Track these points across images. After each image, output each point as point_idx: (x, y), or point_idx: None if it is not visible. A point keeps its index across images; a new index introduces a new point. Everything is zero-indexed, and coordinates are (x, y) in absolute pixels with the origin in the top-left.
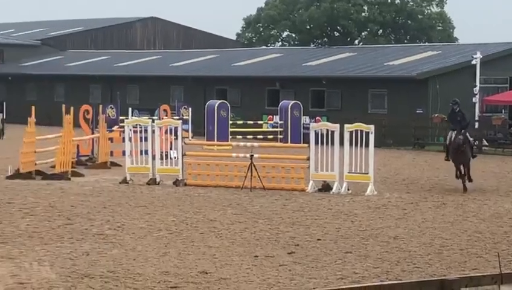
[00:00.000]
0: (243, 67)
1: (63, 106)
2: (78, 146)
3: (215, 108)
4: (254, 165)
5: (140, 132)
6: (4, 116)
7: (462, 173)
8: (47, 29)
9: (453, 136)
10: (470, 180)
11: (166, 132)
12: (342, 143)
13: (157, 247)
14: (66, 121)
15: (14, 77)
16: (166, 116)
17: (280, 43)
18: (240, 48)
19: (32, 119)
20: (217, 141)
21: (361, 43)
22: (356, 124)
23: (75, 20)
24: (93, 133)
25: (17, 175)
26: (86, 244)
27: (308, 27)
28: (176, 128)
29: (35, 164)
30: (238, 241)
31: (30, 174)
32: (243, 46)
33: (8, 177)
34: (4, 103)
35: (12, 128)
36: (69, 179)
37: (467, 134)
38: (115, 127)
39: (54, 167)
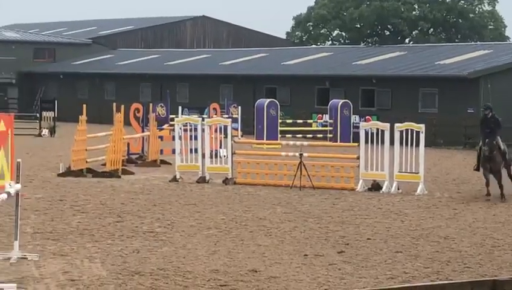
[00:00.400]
0: (293, 66)
1: (114, 104)
2: (128, 144)
3: (265, 107)
4: (303, 164)
5: (190, 130)
6: (56, 114)
7: (495, 182)
8: (98, 28)
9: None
10: (501, 188)
11: (215, 131)
12: (392, 142)
13: (207, 245)
14: (116, 119)
15: (65, 75)
16: (216, 114)
17: (330, 41)
18: (290, 46)
19: (83, 117)
20: (266, 139)
21: (411, 42)
22: (407, 123)
23: (126, 19)
24: (143, 132)
25: (68, 173)
26: (136, 242)
27: (358, 26)
28: (225, 127)
29: (86, 162)
30: (288, 240)
31: (81, 172)
32: (292, 45)
33: (60, 175)
34: (56, 101)
35: (64, 126)
36: (120, 177)
37: (496, 141)
38: (165, 126)
39: (104, 164)
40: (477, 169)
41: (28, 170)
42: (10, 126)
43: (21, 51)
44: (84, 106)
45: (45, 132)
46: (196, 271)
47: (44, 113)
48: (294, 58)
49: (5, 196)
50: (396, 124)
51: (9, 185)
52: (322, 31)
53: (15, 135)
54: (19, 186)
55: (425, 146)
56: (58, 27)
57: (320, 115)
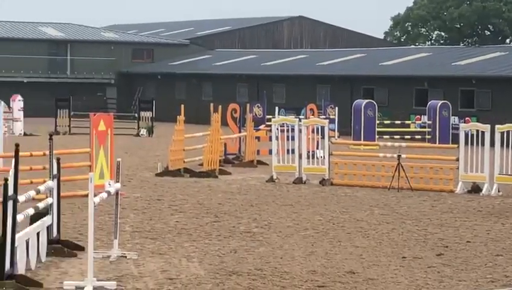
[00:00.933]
0: (391, 66)
1: (211, 104)
2: (225, 144)
3: (362, 107)
4: (402, 166)
5: (287, 130)
6: (153, 114)
7: None
8: (195, 29)
9: None
10: None
11: (312, 131)
12: (492, 144)
13: (304, 246)
14: (213, 120)
15: (163, 75)
16: (313, 115)
17: (429, 42)
18: (388, 47)
19: (181, 117)
20: (364, 140)
21: None
22: (508, 124)
23: (223, 19)
24: (240, 132)
25: (166, 172)
26: (233, 241)
27: (458, 26)
28: (322, 128)
29: (184, 162)
30: (386, 242)
31: (179, 172)
32: (390, 45)
33: (158, 175)
34: (154, 101)
35: (161, 126)
36: (217, 177)
37: None
38: (262, 126)
39: (201, 164)
40: None
41: (126, 169)
42: (110, 126)
43: (120, 51)
44: (182, 106)
45: (143, 131)
46: (293, 272)
47: (142, 113)
48: (392, 58)
49: (105, 195)
50: (497, 126)
51: (109, 184)
52: (422, 31)
53: (114, 134)
54: (118, 185)
55: None
56: (156, 28)
57: (419, 116)
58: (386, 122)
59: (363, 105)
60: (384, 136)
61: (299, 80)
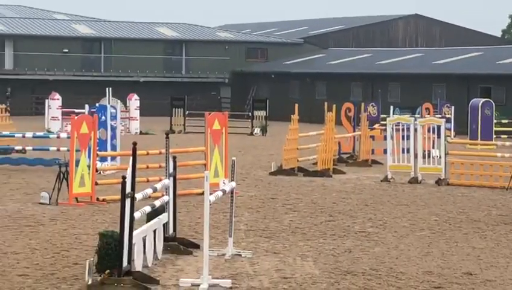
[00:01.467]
0: (509, 64)
1: (325, 103)
2: (339, 144)
3: (479, 106)
4: None
5: (402, 130)
6: (267, 113)
7: None
8: (309, 28)
9: None
10: None
11: (428, 131)
12: None
13: (419, 246)
14: (328, 119)
15: (277, 74)
16: (429, 114)
17: None
18: (506, 45)
19: (295, 116)
20: (481, 140)
21: None
22: None
23: (337, 18)
24: (354, 131)
25: (280, 171)
26: (348, 241)
27: None
28: (438, 127)
29: (298, 161)
30: (504, 243)
31: (292, 171)
32: (508, 44)
33: (272, 174)
34: (267, 100)
35: (275, 125)
36: (331, 176)
37: None
38: (376, 125)
39: (315, 164)
40: None
41: (240, 168)
42: (224, 125)
43: (234, 51)
44: (296, 105)
45: (257, 130)
46: (409, 272)
47: (256, 112)
48: (510, 57)
49: (220, 193)
50: None
51: (224, 182)
52: None
53: (228, 133)
54: (233, 184)
55: None
56: (270, 27)
57: None
58: (503, 121)
59: (480, 104)
60: (502, 136)
61: (414, 78)
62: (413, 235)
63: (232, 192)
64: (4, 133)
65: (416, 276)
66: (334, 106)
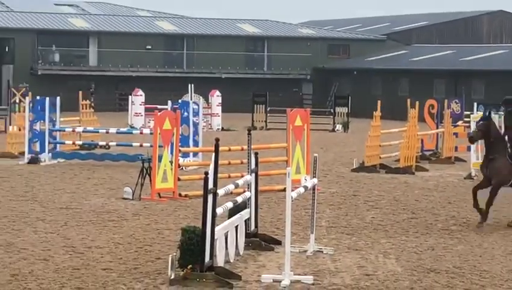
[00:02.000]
0: None
1: (408, 100)
2: (422, 141)
3: None
4: None
5: None
6: (349, 110)
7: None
8: (392, 24)
9: None
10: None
11: None
12: None
13: (504, 245)
14: (410, 116)
15: (359, 71)
16: None
17: None
18: None
19: (377, 113)
20: None
21: None
22: None
23: (420, 14)
24: (437, 128)
25: (362, 168)
26: (430, 239)
27: None
28: None
29: (380, 158)
30: None
31: (374, 168)
32: None
33: (353, 170)
34: (349, 97)
35: (357, 122)
36: (413, 173)
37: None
38: (460, 122)
39: (398, 160)
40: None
41: (322, 164)
42: (306, 121)
43: (316, 47)
44: (378, 101)
45: (339, 127)
46: (493, 271)
47: (338, 109)
48: None
49: (302, 189)
50: None
51: (305, 179)
52: None
53: (310, 130)
54: (315, 180)
55: None
56: (352, 23)
57: None
58: None
59: None
60: None
61: (499, 75)
62: (497, 234)
63: (313, 188)
64: (88, 128)
65: (500, 275)
66: (417, 103)
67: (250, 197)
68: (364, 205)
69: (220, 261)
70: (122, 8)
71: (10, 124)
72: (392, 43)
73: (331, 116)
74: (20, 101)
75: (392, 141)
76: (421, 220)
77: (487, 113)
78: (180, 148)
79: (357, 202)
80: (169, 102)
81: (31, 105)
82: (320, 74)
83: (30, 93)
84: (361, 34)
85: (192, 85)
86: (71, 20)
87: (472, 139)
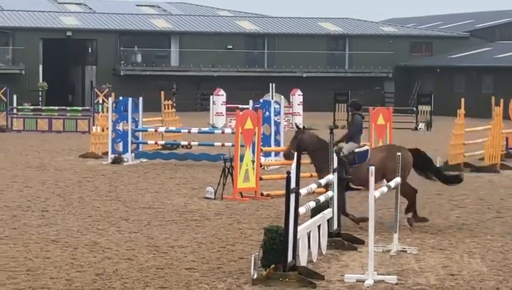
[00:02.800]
0: None
1: (492, 97)
2: (507, 139)
3: None
4: None
5: None
6: (432, 108)
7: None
8: (475, 21)
9: None
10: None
11: None
12: None
13: None
14: (495, 113)
15: (442, 68)
16: None
17: None
18: None
19: (461, 111)
20: None
21: None
22: None
23: (504, 10)
24: None
25: (445, 167)
26: None
27: None
28: None
29: (464, 156)
30: None
31: (459, 166)
32: None
33: None
34: (432, 95)
35: (440, 120)
36: (498, 171)
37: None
38: None
39: (482, 159)
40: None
41: None
42: (389, 120)
43: (398, 45)
44: (462, 99)
45: (421, 125)
46: None
47: (420, 107)
48: None
49: (385, 189)
50: None
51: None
52: None
53: (392, 128)
54: (398, 179)
55: None
56: (434, 21)
57: None
58: None
59: None
60: None
61: None
62: None
63: (397, 188)
64: (171, 128)
65: None
66: (501, 100)
67: (332, 197)
68: (448, 204)
69: (302, 260)
70: (203, 8)
71: (93, 125)
72: (476, 40)
73: (414, 115)
74: (103, 101)
75: (476, 139)
76: (507, 219)
77: None
78: (262, 147)
79: (440, 201)
80: (251, 101)
81: (113, 106)
82: (402, 72)
83: (113, 94)
84: (444, 32)
85: (274, 84)
86: (153, 20)
87: None
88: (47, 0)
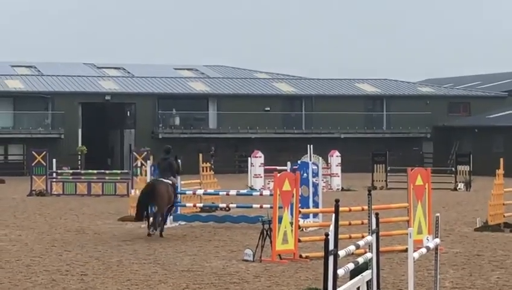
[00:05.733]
0: None
1: None
2: None
3: None
4: None
5: None
6: (471, 168)
7: None
8: None
9: None
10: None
11: None
12: None
13: None
14: None
15: (480, 128)
16: None
17: None
18: None
19: (500, 171)
20: None
21: None
22: None
23: None
24: None
25: (485, 227)
26: None
27: None
28: None
29: (504, 216)
30: None
31: (499, 227)
32: None
33: (476, 230)
34: (471, 155)
35: (479, 180)
36: None
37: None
38: None
39: None
40: None
41: (444, 224)
42: (427, 180)
43: (436, 105)
44: (501, 159)
45: (461, 186)
46: None
47: (459, 167)
48: None
49: (424, 250)
50: None
51: (427, 239)
52: None
53: (431, 189)
54: (437, 240)
55: None
56: (471, 80)
57: None
58: None
59: None
60: None
61: None
62: None
63: (436, 249)
64: (209, 191)
65: None
66: None
67: (371, 258)
68: (488, 265)
69: None
70: (240, 70)
71: (132, 188)
72: None
73: (453, 175)
74: (141, 164)
75: None
76: None
77: None
78: (300, 209)
79: (481, 262)
80: (289, 163)
81: (152, 169)
82: (440, 132)
83: (152, 157)
84: (481, 91)
85: (311, 146)
86: (191, 83)
87: None
88: (86, 65)
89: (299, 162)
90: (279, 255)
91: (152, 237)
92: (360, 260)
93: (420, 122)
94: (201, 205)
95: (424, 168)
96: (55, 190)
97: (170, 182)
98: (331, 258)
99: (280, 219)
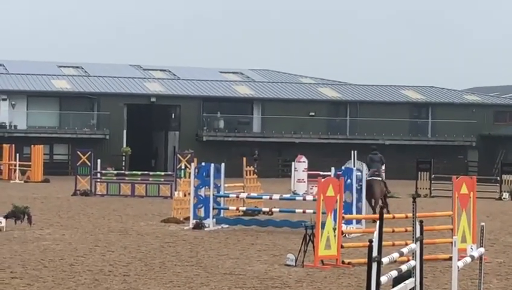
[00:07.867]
0: None
1: None
2: None
3: None
4: None
5: None
6: None
7: None
8: None
9: None
10: None
11: None
12: None
13: None
14: None
15: None
16: None
17: None
18: None
19: None
20: None
21: None
22: None
23: None
24: None
25: None
26: None
27: None
28: None
29: None
30: None
31: None
32: None
33: None
34: None
35: None
36: None
37: None
38: None
39: None
40: None
41: (488, 233)
42: (472, 189)
43: (481, 113)
44: None
45: (506, 195)
46: None
47: (504, 177)
48: None
49: (468, 259)
50: None
51: (471, 248)
52: None
53: (476, 198)
54: (482, 249)
55: None
56: None
57: None
58: None
59: None
60: None
61: None
62: None
63: (480, 258)
64: (252, 194)
65: None
66: None
67: (415, 266)
68: None
69: None
70: (285, 75)
71: (176, 190)
72: None
73: (498, 184)
74: (185, 167)
75: None
76: None
77: None
78: (344, 215)
79: None
80: (333, 168)
81: (196, 171)
82: (486, 140)
83: (195, 159)
84: None
85: (355, 152)
86: (235, 87)
87: None
88: (132, 66)
89: (343, 167)
90: (322, 260)
91: (195, 240)
92: (404, 267)
93: (465, 130)
94: (244, 208)
95: (469, 176)
96: (99, 190)
97: None
98: (374, 265)
99: (323, 225)
